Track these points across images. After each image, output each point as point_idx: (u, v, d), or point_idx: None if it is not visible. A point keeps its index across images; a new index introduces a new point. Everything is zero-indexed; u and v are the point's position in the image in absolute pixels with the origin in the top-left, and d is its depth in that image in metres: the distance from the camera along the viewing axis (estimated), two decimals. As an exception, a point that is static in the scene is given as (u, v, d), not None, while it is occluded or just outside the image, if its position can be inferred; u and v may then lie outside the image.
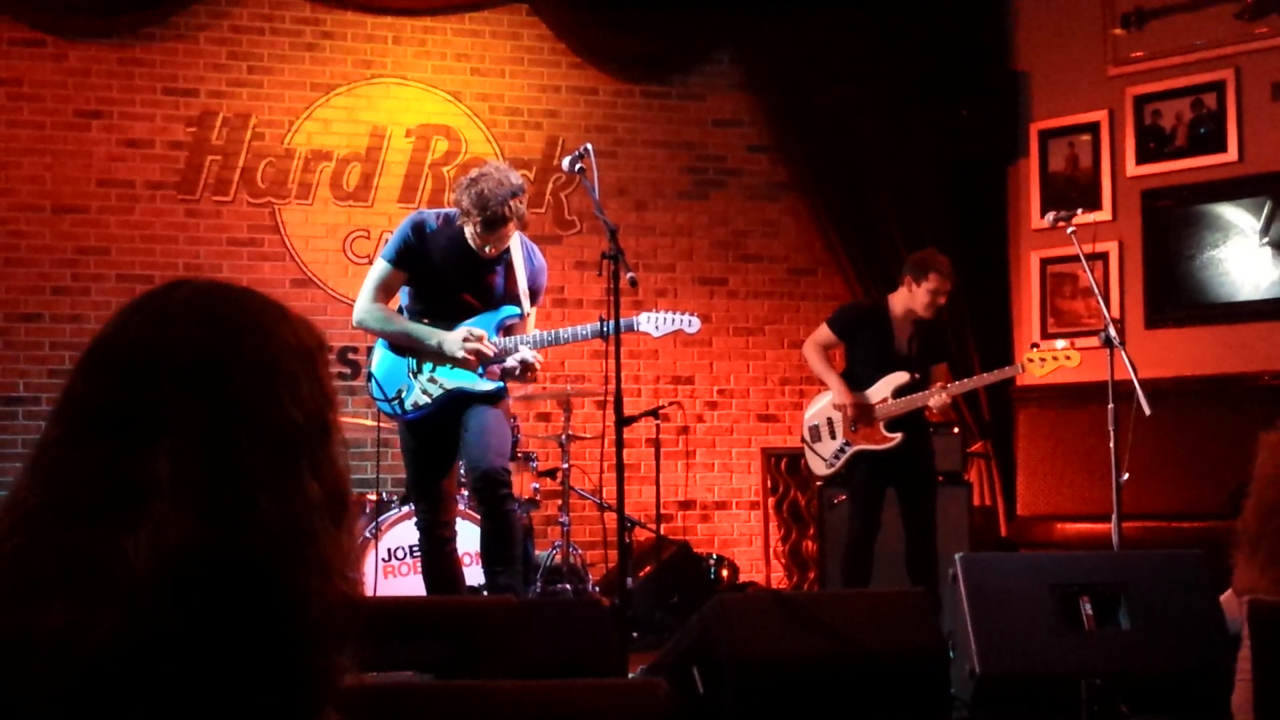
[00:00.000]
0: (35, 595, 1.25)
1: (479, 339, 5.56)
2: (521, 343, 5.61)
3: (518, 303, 5.67)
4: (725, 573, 8.14)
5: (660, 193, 9.13)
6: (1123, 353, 6.07)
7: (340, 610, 1.35)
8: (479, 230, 5.46)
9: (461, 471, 6.14)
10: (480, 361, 5.59)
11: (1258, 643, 2.69)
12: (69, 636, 1.23)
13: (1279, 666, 2.63)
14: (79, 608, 1.24)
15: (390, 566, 6.99)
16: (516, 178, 5.51)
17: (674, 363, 9.06)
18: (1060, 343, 6.89)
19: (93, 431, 1.33)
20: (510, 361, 5.59)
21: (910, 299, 6.87)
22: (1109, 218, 8.70)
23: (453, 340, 5.58)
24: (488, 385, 5.63)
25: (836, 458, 6.96)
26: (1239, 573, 2.97)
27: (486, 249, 5.53)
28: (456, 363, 5.60)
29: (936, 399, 6.79)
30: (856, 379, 6.94)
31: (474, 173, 5.54)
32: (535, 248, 5.84)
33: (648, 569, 7.78)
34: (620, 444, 5.14)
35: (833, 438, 6.97)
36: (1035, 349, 6.89)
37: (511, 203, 5.41)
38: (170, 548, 1.26)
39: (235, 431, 1.32)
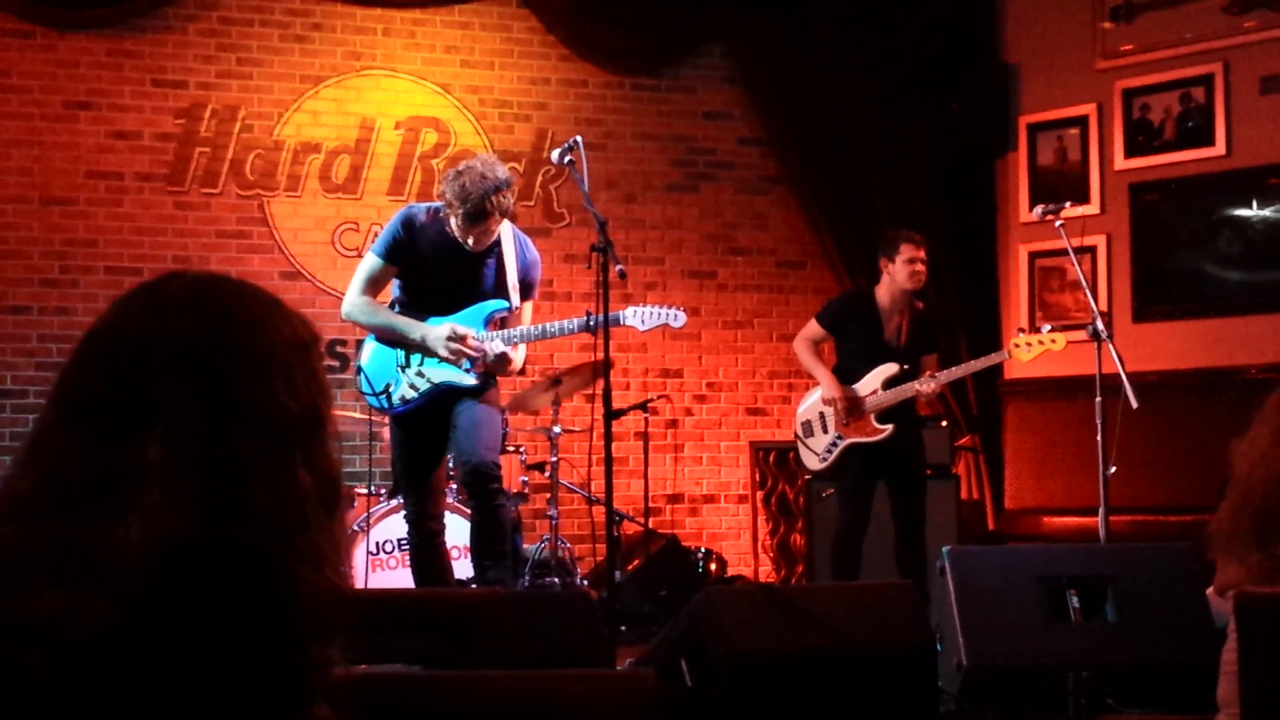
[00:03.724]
0: (28, 583, 1.26)
1: (461, 339, 5.55)
2: (502, 336, 5.61)
3: (508, 297, 5.67)
4: (713, 566, 8.15)
5: (650, 186, 9.13)
6: (1110, 346, 6.09)
7: (331, 600, 1.35)
8: (461, 223, 5.46)
9: (451, 465, 6.14)
10: (456, 359, 5.58)
11: (1243, 634, 2.70)
12: (61, 624, 1.24)
13: (1265, 659, 2.63)
14: (71, 595, 1.25)
15: (379, 559, 6.99)
16: (502, 171, 5.50)
17: (663, 356, 9.06)
18: (1046, 327, 6.90)
19: (86, 420, 1.33)
20: (487, 352, 5.59)
21: (892, 281, 6.89)
22: (1097, 211, 8.72)
23: (435, 336, 5.57)
24: (475, 379, 5.63)
25: (829, 452, 6.97)
26: (1221, 571, 2.97)
27: (470, 242, 5.53)
28: (443, 357, 5.60)
29: (926, 386, 6.79)
30: (847, 372, 6.95)
31: (460, 165, 5.55)
32: (528, 240, 5.84)
33: (636, 562, 7.79)
34: (609, 437, 5.14)
35: (825, 432, 6.98)
36: (1021, 334, 6.90)
37: (494, 197, 5.41)
38: (162, 536, 1.27)
39: (228, 421, 1.33)
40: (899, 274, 6.84)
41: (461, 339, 5.55)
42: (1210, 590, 4.59)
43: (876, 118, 9.19)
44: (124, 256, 8.13)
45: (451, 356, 5.56)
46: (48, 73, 8.12)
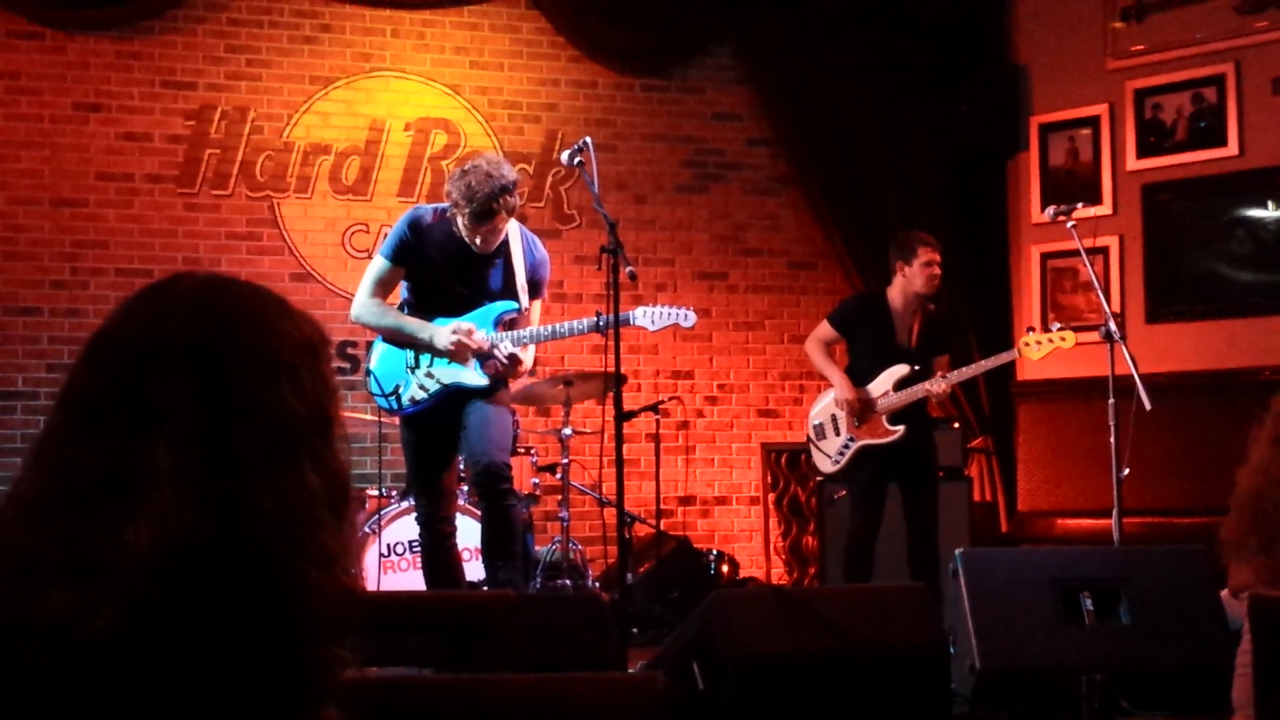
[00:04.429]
0: (36, 584, 1.26)
1: (466, 333, 5.55)
2: (511, 337, 5.59)
3: (516, 297, 5.66)
4: (725, 568, 8.14)
5: (660, 187, 9.12)
6: (1123, 347, 6.07)
7: (340, 602, 1.35)
8: (468, 223, 5.46)
9: (462, 466, 6.13)
10: (462, 356, 5.57)
11: (1259, 637, 2.69)
12: (69, 625, 1.24)
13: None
14: (80, 596, 1.24)
15: (390, 561, 6.99)
16: (508, 171, 5.49)
17: (674, 357, 9.05)
18: (1056, 325, 6.87)
19: (94, 421, 1.33)
20: (498, 355, 5.57)
21: (907, 283, 6.86)
22: (1109, 212, 8.70)
23: (442, 335, 5.57)
24: (484, 380, 5.61)
25: (841, 454, 6.95)
26: (1232, 574, 2.98)
27: (478, 242, 5.52)
28: (453, 357, 5.59)
29: (936, 386, 6.77)
30: (858, 374, 6.93)
31: (466, 165, 5.54)
32: (536, 240, 5.83)
33: (647, 564, 7.78)
34: (620, 439, 5.13)
35: (837, 434, 6.96)
36: (1031, 332, 6.88)
37: (501, 197, 5.40)
38: (170, 537, 1.26)
39: (235, 422, 1.32)
40: (916, 278, 6.82)
41: (466, 333, 5.54)
42: (1225, 592, 4.57)
43: (887, 118, 9.18)
44: (134, 258, 8.14)
45: (454, 349, 5.55)
46: (57, 74, 8.13)
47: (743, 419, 9.18)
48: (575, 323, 5.73)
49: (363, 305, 5.73)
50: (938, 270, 6.84)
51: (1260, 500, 2.85)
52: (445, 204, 5.61)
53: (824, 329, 7.08)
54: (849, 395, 6.83)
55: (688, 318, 5.73)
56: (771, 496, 9.06)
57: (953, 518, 7.39)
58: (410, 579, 6.88)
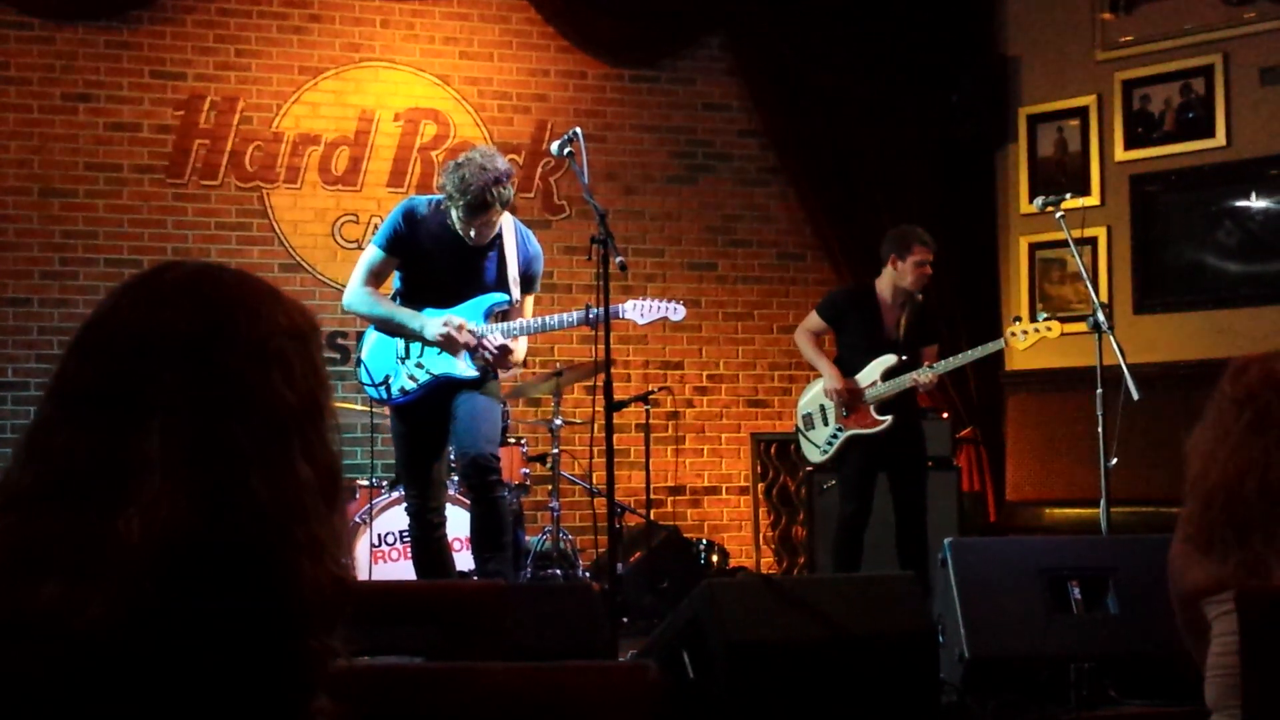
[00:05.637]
0: (29, 575, 1.26)
1: (457, 326, 5.55)
2: (501, 329, 5.59)
3: (508, 290, 5.66)
4: (715, 558, 8.14)
5: (649, 177, 9.12)
6: (1111, 338, 6.09)
7: (330, 591, 1.35)
8: (461, 215, 5.46)
9: (452, 457, 6.14)
10: (452, 347, 5.57)
11: (1246, 631, 2.65)
12: (62, 616, 1.23)
13: (1268, 656, 2.59)
14: (71, 588, 1.24)
15: (380, 552, 6.99)
16: (502, 163, 5.49)
17: (663, 348, 9.06)
18: (1041, 314, 6.90)
19: (85, 411, 1.33)
20: (486, 346, 5.57)
21: (897, 277, 6.89)
22: (1097, 203, 8.72)
23: (434, 326, 5.57)
24: (474, 371, 5.62)
25: (830, 444, 6.97)
26: (1193, 574, 2.89)
27: (472, 234, 5.53)
28: (443, 348, 5.59)
29: (923, 376, 6.80)
30: (847, 364, 6.95)
31: (460, 157, 5.54)
32: (530, 234, 5.83)
33: (638, 554, 7.79)
34: (610, 429, 5.14)
35: (825, 424, 6.98)
36: (1017, 322, 6.90)
37: (495, 189, 5.40)
38: (161, 527, 1.26)
39: (226, 411, 1.32)
40: (906, 274, 6.85)
41: (458, 327, 5.54)
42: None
43: (876, 109, 9.19)
44: (123, 249, 8.12)
45: (443, 340, 5.55)
46: (46, 65, 8.11)
47: (732, 409, 9.19)
48: (565, 315, 5.74)
49: (355, 294, 5.73)
50: (929, 270, 6.88)
51: (1235, 489, 2.80)
52: (440, 195, 5.61)
53: (812, 320, 7.10)
54: (837, 385, 6.85)
55: (677, 311, 5.74)
56: (761, 486, 9.07)
57: (941, 507, 7.41)
58: (401, 569, 6.88)
